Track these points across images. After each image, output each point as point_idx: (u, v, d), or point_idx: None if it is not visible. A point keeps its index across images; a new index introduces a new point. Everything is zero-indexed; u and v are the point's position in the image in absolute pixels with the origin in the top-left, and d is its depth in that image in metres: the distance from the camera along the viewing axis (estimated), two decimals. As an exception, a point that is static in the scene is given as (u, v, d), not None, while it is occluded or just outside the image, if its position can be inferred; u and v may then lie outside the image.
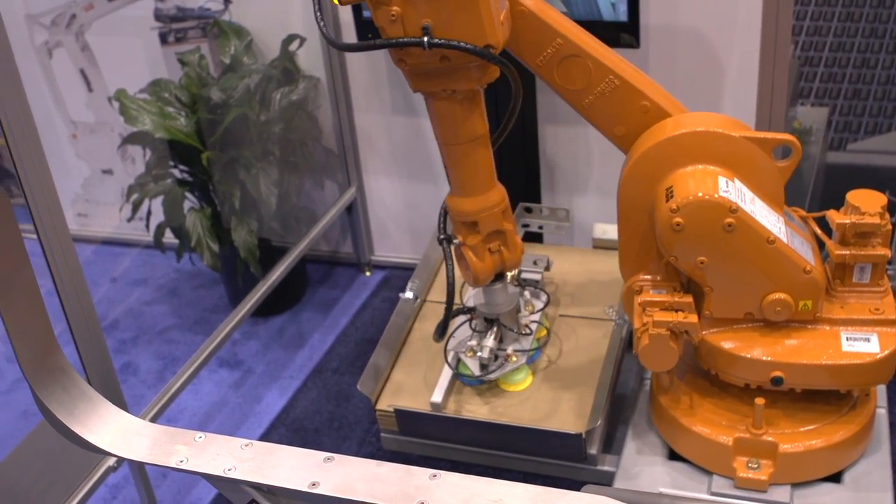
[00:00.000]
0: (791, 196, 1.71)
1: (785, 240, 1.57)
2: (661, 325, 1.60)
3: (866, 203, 1.63)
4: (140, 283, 3.21)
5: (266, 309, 2.89)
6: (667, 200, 1.56)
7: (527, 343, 1.98)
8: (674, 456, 1.78)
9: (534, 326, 2.02)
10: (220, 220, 2.82)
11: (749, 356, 1.63)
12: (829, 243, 1.66)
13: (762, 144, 1.62)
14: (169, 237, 2.85)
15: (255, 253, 2.73)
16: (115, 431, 1.37)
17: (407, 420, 1.99)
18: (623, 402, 2.05)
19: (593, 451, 1.88)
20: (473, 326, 1.99)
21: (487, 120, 1.68)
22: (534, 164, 2.63)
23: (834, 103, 3.15)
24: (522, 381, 1.97)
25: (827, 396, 1.71)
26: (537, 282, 2.17)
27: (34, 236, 1.84)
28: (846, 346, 1.62)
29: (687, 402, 1.75)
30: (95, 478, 1.99)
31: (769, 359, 1.62)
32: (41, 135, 1.82)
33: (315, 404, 2.59)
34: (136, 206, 2.79)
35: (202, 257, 2.74)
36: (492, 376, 1.94)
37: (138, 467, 2.20)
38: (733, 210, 1.53)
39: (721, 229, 1.54)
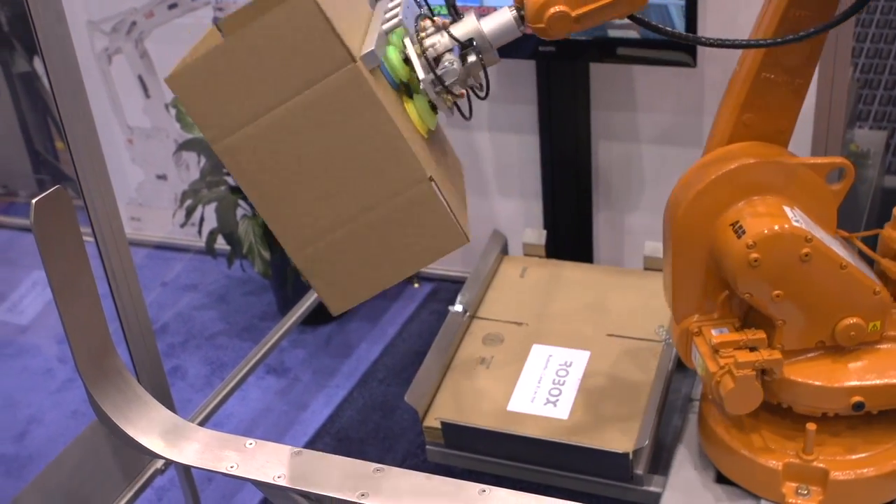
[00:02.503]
0: (847, 220, 1.70)
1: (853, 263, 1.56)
2: (746, 365, 1.55)
3: None
4: (191, 288, 3.24)
5: (314, 318, 2.90)
6: (738, 236, 1.53)
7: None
8: (721, 479, 1.76)
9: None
10: (272, 228, 2.84)
11: (827, 385, 1.60)
12: (884, 261, 1.65)
13: (816, 169, 1.61)
14: (221, 243, 2.87)
15: (306, 261, 2.75)
16: (167, 435, 1.39)
17: (454, 433, 1.99)
18: (671, 423, 2.03)
19: (640, 471, 1.87)
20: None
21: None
22: (586, 180, 2.62)
23: (893, 127, 3.11)
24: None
25: (880, 424, 1.68)
26: None
27: (91, 239, 1.87)
28: None
29: (737, 424, 1.73)
30: (143, 480, 2.01)
31: (848, 384, 1.59)
32: (100, 139, 1.84)
33: (360, 414, 2.60)
34: (189, 212, 2.82)
35: (253, 264, 2.77)
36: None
37: (185, 471, 2.22)
38: (808, 239, 1.51)
39: (798, 260, 1.52)
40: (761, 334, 1.59)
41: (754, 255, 1.51)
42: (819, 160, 1.62)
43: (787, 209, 1.55)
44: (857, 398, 1.59)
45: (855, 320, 1.58)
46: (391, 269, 1.35)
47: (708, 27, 2.35)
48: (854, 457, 1.65)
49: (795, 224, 1.51)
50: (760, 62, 1.55)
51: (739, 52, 2.39)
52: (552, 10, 1.32)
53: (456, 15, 1.37)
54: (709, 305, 1.66)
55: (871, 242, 1.71)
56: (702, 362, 1.61)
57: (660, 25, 1.42)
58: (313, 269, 1.31)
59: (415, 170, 1.25)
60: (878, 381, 1.60)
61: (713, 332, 1.63)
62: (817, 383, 1.60)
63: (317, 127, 1.22)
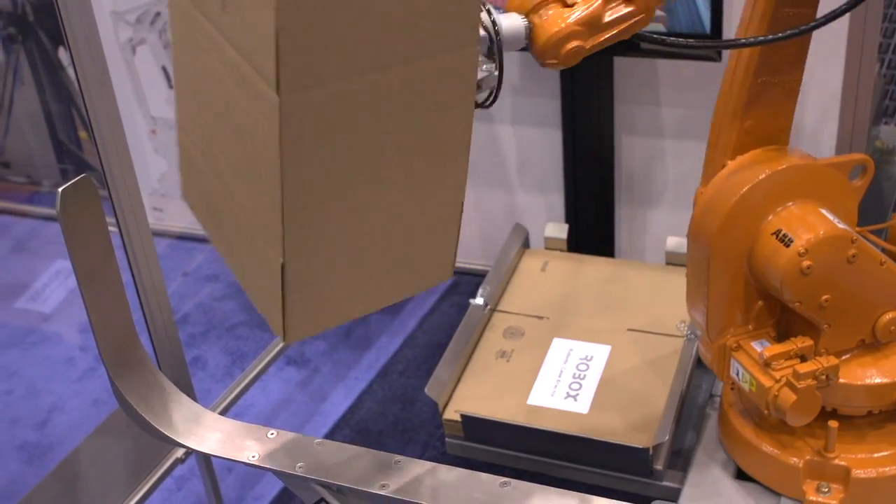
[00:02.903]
0: (872, 216, 1.69)
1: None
2: (807, 376, 1.52)
3: None
4: (212, 278, 3.26)
5: (335, 309, 2.91)
6: (786, 245, 1.51)
7: None
8: (741, 475, 1.76)
9: None
10: (293, 219, 2.85)
11: (873, 383, 1.59)
12: None
13: (840, 168, 1.60)
14: (242, 234, 2.88)
15: (327, 253, 2.75)
16: (189, 424, 1.39)
17: (473, 426, 1.99)
18: (691, 419, 2.03)
19: (659, 466, 1.86)
20: None
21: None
22: (608, 175, 2.61)
23: (919, 124, 3.09)
24: None
25: (903, 422, 1.67)
26: None
27: (115, 229, 1.88)
28: None
29: (757, 421, 1.73)
30: (164, 469, 2.03)
31: (894, 380, 1.59)
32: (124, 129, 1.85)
33: (380, 406, 2.60)
34: (211, 203, 2.83)
35: (274, 255, 2.78)
36: None
37: (205, 460, 2.23)
38: (853, 240, 1.51)
39: (846, 262, 1.51)
40: (809, 342, 1.57)
41: (807, 263, 1.49)
42: (842, 158, 1.61)
43: (824, 212, 1.54)
44: None
45: (894, 314, 1.58)
46: (374, 294, 1.16)
47: (734, 17, 2.34)
48: (876, 455, 1.64)
49: (840, 226, 1.51)
50: (756, 67, 1.53)
51: (764, 47, 2.38)
52: (568, 46, 1.29)
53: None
54: (743, 318, 1.64)
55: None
56: (749, 377, 1.58)
57: (654, 35, 1.42)
58: (303, 278, 1.08)
59: (456, 189, 1.12)
60: None
61: (754, 345, 1.61)
62: (859, 383, 1.59)
63: (404, 108, 1.03)
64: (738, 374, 1.62)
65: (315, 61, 0.95)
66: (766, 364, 1.55)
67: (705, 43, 1.61)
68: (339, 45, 0.96)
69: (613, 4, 1.29)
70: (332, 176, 1.04)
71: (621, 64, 2.49)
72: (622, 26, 1.31)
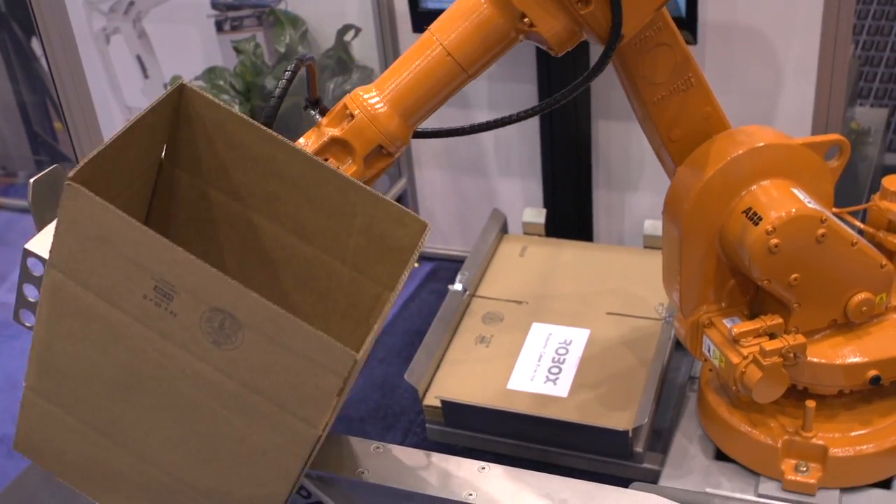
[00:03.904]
0: (848, 197, 1.70)
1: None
2: (773, 353, 1.53)
3: None
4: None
5: (314, 297, 2.91)
6: (755, 223, 1.51)
7: None
8: (721, 456, 1.77)
9: None
10: (272, 207, 2.84)
11: (844, 363, 1.60)
12: (880, 234, 1.66)
13: (816, 148, 1.61)
14: (220, 224, 2.87)
15: (305, 240, 2.75)
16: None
17: (453, 412, 1.99)
18: (671, 401, 2.04)
19: (639, 448, 1.87)
20: None
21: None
22: (585, 159, 2.62)
23: (894, 104, 3.11)
24: None
25: (879, 400, 1.69)
26: None
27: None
28: None
29: (736, 402, 1.74)
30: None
31: (864, 360, 1.60)
32: (98, 120, 1.84)
33: (361, 393, 2.60)
34: (188, 192, 2.82)
35: (252, 244, 2.77)
36: None
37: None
38: (823, 220, 1.51)
39: (815, 242, 1.52)
40: (778, 320, 1.58)
41: (774, 241, 1.49)
42: (818, 139, 1.62)
43: (796, 191, 1.55)
44: (873, 372, 1.60)
45: (865, 295, 1.59)
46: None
47: (709, 6, 2.35)
48: (853, 434, 1.65)
49: (810, 206, 1.51)
50: (643, 95, 1.54)
51: (741, 28, 2.39)
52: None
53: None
54: (716, 295, 1.65)
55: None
56: (719, 354, 1.60)
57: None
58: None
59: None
60: (892, 354, 1.60)
61: (725, 322, 1.62)
62: (831, 362, 1.60)
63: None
64: (709, 351, 1.64)
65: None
66: (735, 340, 1.57)
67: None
68: None
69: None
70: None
71: (597, 48, 2.48)
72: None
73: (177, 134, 1.21)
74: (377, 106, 1.31)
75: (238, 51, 2.92)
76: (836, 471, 1.63)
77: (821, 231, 1.51)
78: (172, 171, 1.26)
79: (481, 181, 2.85)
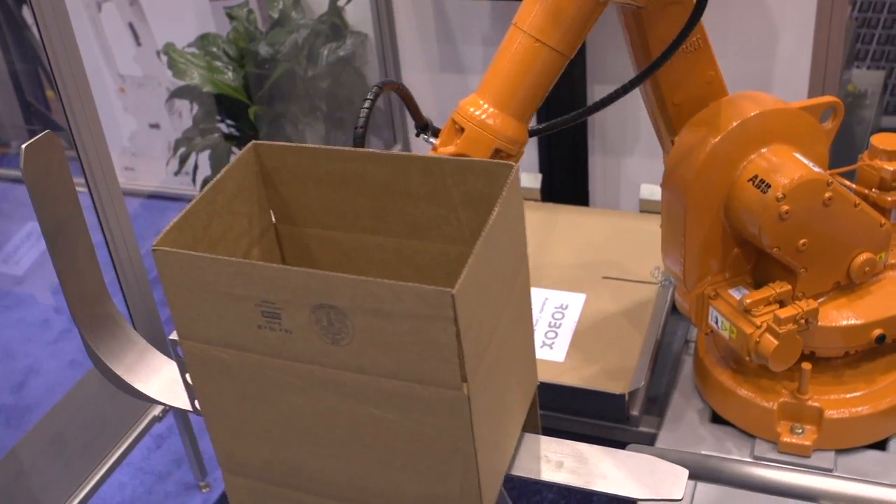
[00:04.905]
0: (844, 161, 1.69)
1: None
2: (788, 321, 1.52)
3: (891, 143, 1.64)
4: (186, 236, 3.24)
5: (311, 264, 2.91)
6: (763, 191, 1.50)
7: None
8: (717, 419, 1.77)
9: None
10: (266, 175, 2.83)
11: (850, 324, 1.60)
12: (873, 193, 1.66)
13: (812, 111, 1.60)
14: (215, 192, 2.86)
15: (301, 209, 2.74)
16: (164, 380, 1.38)
17: (450, 377, 1.99)
18: (667, 364, 2.04)
19: (636, 412, 1.88)
20: None
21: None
22: (581, 124, 2.61)
23: (891, 66, 3.09)
24: None
25: (875, 362, 1.69)
26: None
27: (85, 189, 1.86)
28: None
29: (732, 364, 1.74)
30: (141, 427, 2.03)
31: (869, 320, 1.60)
32: (91, 89, 1.83)
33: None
34: (182, 160, 2.81)
35: (248, 212, 2.76)
36: None
37: (183, 417, 2.23)
38: (829, 184, 1.50)
39: (822, 206, 1.51)
40: (787, 286, 1.57)
41: (785, 208, 1.48)
42: (813, 102, 1.61)
43: (798, 156, 1.54)
44: (878, 331, 1.60)
45: (868, 255, 1.59)
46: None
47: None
48: (848, 396, 1.66)
49: (816, 170, 1.51)
50: (654, 56, 1.48)
51: (736, -9, 2.36)
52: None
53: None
54: (720, 266, 1.64)
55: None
56: (728, 325, 1.59)
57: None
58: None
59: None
60: (894, 312, 1.61)
61: (732, 292, 1.61)
62: (837, 324, 1.60)
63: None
64: (717, 323, 1.63)
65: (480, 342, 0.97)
66: (747, 311, 1.56)
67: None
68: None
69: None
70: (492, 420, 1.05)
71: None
72: None
73: (267, 192, 1.21)
74: (484, 112, 1.31)
75: (231, 17, 2.90)
76: (831, 433, 1.64)
77: (828, 194, 1.51)
78: (275, 229, 1.25)
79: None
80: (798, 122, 1.58)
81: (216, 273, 0.97)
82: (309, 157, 1.17)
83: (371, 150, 1.15)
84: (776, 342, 1.51)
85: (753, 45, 2.43)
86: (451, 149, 1.32)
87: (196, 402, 1.21)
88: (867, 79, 3.01)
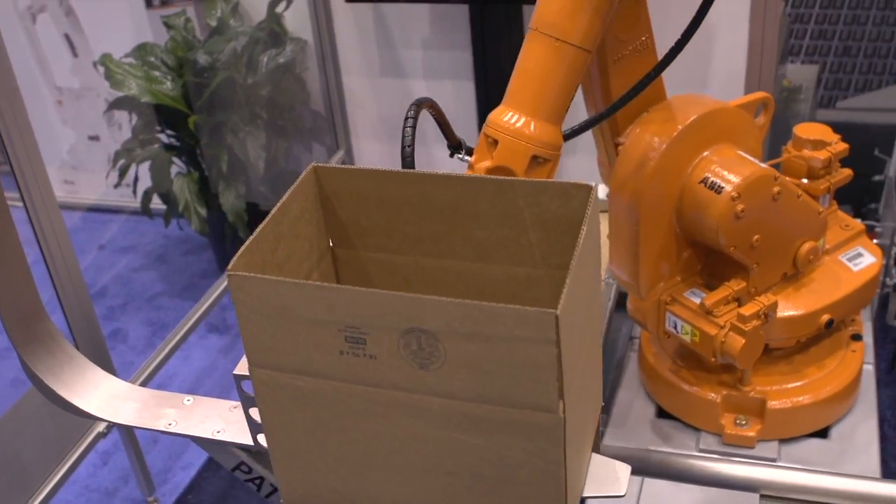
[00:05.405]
0: (775, 153, 1.71)
1: None
2: (752, 318, 1.52)
3: (814, 133, 1.67)
4: (128, 249, 3.20)
5: (256, 273, 2.89)
6: (717, 192, 1.49)
7: None
8: (663, 414, 1.78)
9: None
10: (208, 184, 2.80)
11: (802, 312, 1.61)
12: (802, 183, 1.68)
13: (748, 108, 1.62)
14: (157, 203, 2.83)
15: (244, 217, 2.72)
16: (103, 396, 1.36)
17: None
18: (612, 362, 2.05)
19: (583, 410, 1.88)
20: None
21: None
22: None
23: (824, 61, 3.14)
24: None
25: (815, 351, 1.71)
26: None
27: (20, 204, 1.83)
28: (855, 267, 1.65)
29: (677, 360, 1.75)
30: (85, 444, 2.00)
31: (818, 307, 1.61)
32: (26, 102, 1.80)
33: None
34: (122, 172, 2.78)
35: (190, 222, 2.74)
36: None
37: (128, 433, 2.20)
38: (776, 178, 1.52)
39: (771, 201, 1.52)
40: (743, 283, 1.58)
41: (740, 206, 1.48)
42: (747, 99, 1.62)
43: (743, 154, 1.55)
44: (827, 317, 1.61)
45: (811, 244, 1.61)
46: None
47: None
48: (790, 386, 1.67)
49: (763, 167, 1.52)
50: (608, 53, 1.48)
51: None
52: None
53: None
54: (672, 270, 1.63)
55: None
56: (690, 329, 1.58)
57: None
58: None
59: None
60: (841, 294, 1.63)
61: (687, 296, 1.60)
62: (795, 313, 1.62)
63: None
64: (675, 327, 1.62)
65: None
66: (709, 312, 1.55)
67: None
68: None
69: None
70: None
71: (530, 12, 2.48)
72: None
73: (325, 215, 1.18)
74: (516, 121, 1.29)
75: (168, 26, 2.87)
76: (774, 423, 1.66)
77: (776, 189, 1.52)
78: (332, 253, 1.22)
79: (419, 148, 2.82)
80: (736, 120, 1.60)
81: (298, 298, 0.93)
82: (372, 180, 1.14)
83: (439, 172, 1.11)
84: (743, 340, 1.52)
85: (690, 45, 2.46)
86: (486, 163, 1.30)
87: (259, 437, 1.19)
88: (801, 73, 3.06)
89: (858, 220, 1.76)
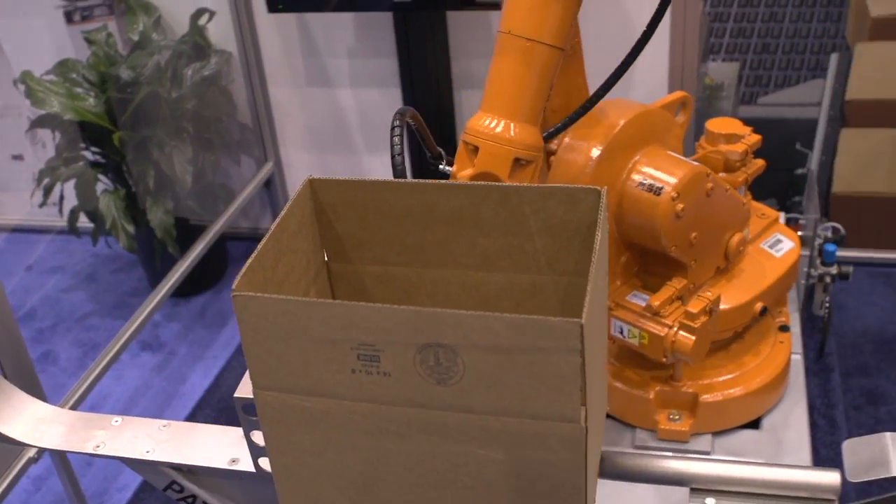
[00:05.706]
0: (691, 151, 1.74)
1: None
2: (700, 314, 1.53)
3: (726, 127, 1.69)
4: (56, 269, 3.14)
5: (187, 289, 2.85)
6: (657, 194, 1.50)
7: None
8: (598, 412, 1.79)
9: None
10: (136, 201, 2.76)
11: (737, 304, 1.64)
12: (719, 176, 1.70)
13: (669, 108, 1.64)
14: (84, 221, 2.79)
15: (173, 233, 2.69)
16: (28, 420, 1.33)
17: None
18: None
19: (519, 412, 1.89)
20: None
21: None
22: (450, 130, 2.62)
23: (744, 58, 3.20)
24: None
25: (743, 344, 1.74)
26: None
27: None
28: (777, 253, 1.69)
29: (609, 359, 1.77)
30: (16, 470, 1.95)
31: (751, 296, 1.64)
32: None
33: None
34: (47, 191, 2.73)
35: (118, 240, 2.69)
36: None
37: (60, 457, 2.16)
38: (708, 174, 1.53)
39: (705, 197, 1.54)
40: (684, 281, 1.59)
41: (680, 206, 1.49)
42: (669, 99, 1.64)
43: (673, 154, 1.57)
44: (760, 304, 1.64)
45: (739, 235, 1.63)
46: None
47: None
48: (721, 379, 1.70)
49: (695, 164, 1.53)
50: None
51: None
52: None
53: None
54: (611, 276, 1.64)
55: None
56: (637, 332, 1.59)
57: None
58: None
59: None
60: (769, 281, 1.66)
61: (630, 299, 1.61)
62: (732, 305, 1.64)
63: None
64: (621, 332, 1.63)
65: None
66: (656, 313, 1.56)
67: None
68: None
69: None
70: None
71: (455, 18, 2.49)
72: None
73: (320, 229, 1.15)
74: (495, 125, 1.28)
75: (90, 41, 2.83)
76: (706, 416, 1.68)
77: (709, 185, 1.53)
78: (329, 268, 1.18)
79: (348, 157, 2.83)
80: (660, 121, 1.61)
81: (308, 317, 0.90)
82: (371, 192, 1.11)
83: (442, 181, 1.09)
84: (693, 337, 1.53)
85: (611, 42, 2.48)
86: (469, 171, 1.29)
87: (260, 461, 1.15)
88: (723, 71, 3.11)
89: (770, 207, 1.81)
